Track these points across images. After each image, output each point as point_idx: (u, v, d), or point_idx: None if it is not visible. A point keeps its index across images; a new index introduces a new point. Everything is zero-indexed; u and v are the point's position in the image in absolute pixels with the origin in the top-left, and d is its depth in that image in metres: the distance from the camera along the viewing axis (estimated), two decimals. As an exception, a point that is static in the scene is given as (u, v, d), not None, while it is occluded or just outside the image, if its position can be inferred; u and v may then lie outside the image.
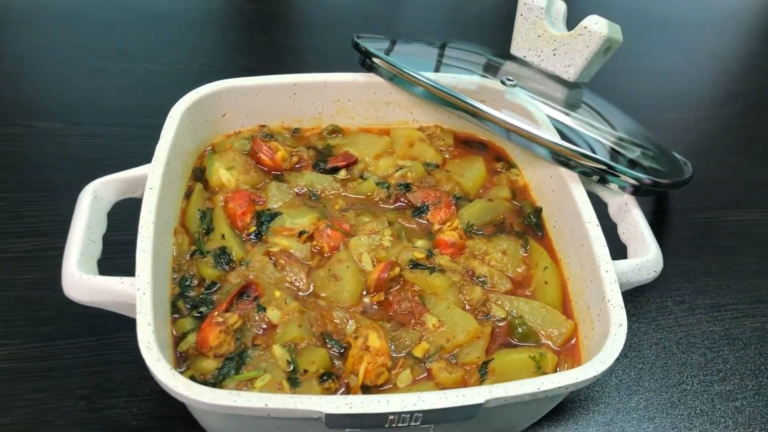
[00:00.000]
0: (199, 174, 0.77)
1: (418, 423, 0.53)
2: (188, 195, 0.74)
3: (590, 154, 0.72)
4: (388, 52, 0.83)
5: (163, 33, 1.22)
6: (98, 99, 1.05)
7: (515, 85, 0.81)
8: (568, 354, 0.65)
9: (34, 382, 0.70)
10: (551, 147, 0.72)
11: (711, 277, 0.91)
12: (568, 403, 0.74)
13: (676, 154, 0.89)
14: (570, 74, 0.86)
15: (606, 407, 0.75)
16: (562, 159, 0.73)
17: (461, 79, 0.81)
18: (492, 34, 1.35)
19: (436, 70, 0.84)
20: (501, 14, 1.41)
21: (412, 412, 0.52)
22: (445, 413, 0.53)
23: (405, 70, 0.79)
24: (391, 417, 0.52)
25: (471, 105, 0.74)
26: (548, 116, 0.78)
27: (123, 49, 1.16)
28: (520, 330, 0.65)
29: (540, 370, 0.62)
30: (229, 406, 0.50)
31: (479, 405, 0.53)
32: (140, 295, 0.57)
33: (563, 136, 0.74)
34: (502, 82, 0.81)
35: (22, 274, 0.80)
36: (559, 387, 0.54)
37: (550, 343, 0.66)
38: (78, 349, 0.74)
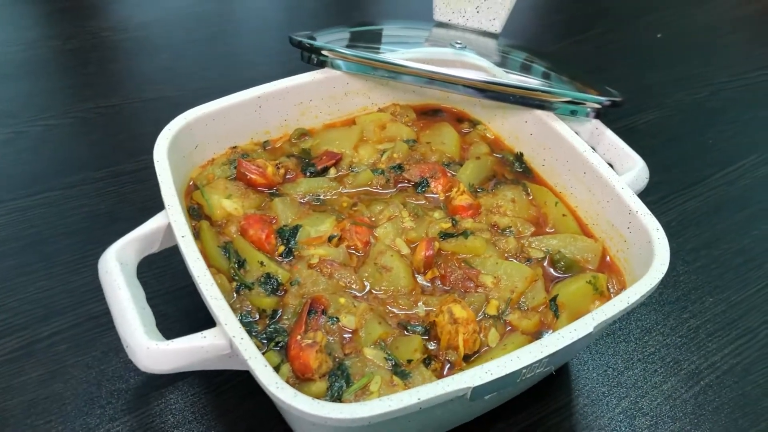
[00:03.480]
0: (196, 212, 0.73)
1: (543, 368, 0.57)
2: (196, 236, 0.70)
3: (563, 91, 0.78)
4: (330, 43, 0.83)
5: (38, 83, 1.11)
6: (3, 170, 0.95)
7: (465, 47, 0.85)
8: (611, 271, 0.71)
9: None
10: (528, 95, 0.77)
11: (657, 174, 1.02)
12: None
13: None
14: (496, 26, 0.92)
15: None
16: (537, 102, 0.78)
17: (416, 51, 0.84)
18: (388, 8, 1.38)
19: (381, 49, 0.85)
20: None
21: (540, 360, 0.55)
22: (566, 351, 0.57)
23: (364, 55, 0.80)
24: (524, 371, 0.55)
25: (447, 75, 0.77)
26: (502, 68, 0.83)
27: (3, 111, 1.04)
28: (562, 263, 0.71)
29: (598, 291, 0.68)
30: (385, 412, 0.50)
31: (591, 334, 0.57)
32: (239, 341, 0.54)
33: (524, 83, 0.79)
34: (452, 46, 0.84)
35: (23, 375, 0.72)
36: (642, 295, 0.60)
37: (589, 266, 0.72)
38: (128, 429, 0.68)
